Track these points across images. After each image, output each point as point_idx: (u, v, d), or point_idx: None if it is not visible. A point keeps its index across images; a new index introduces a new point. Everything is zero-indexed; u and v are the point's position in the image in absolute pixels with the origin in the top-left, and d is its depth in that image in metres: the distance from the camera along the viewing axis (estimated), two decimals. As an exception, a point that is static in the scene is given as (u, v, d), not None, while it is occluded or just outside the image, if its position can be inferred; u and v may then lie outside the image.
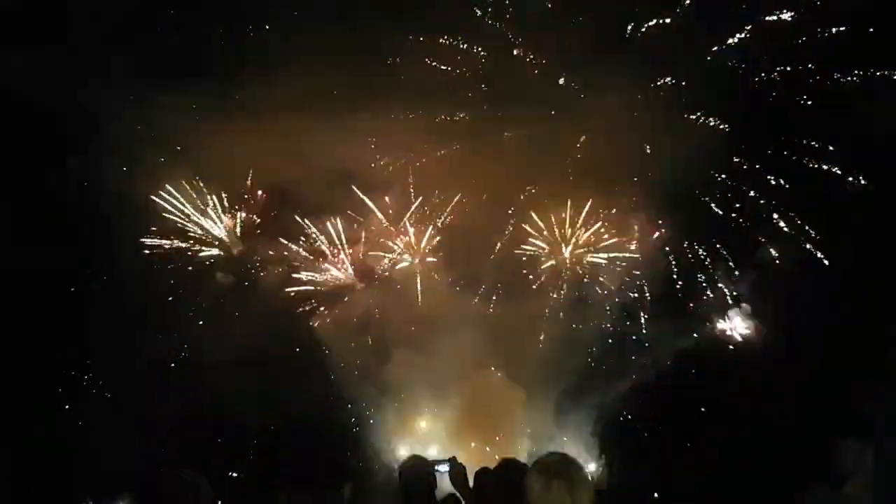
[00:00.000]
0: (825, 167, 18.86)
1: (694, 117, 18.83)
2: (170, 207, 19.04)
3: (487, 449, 18.32)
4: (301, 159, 17.84)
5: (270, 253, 20.24)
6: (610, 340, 20.41)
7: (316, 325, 20.03)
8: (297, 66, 16.94)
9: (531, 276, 20.61)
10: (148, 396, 17.70)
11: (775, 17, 18.09)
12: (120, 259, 17.66)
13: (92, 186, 17.66)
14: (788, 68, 18.65)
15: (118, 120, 16.91)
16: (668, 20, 18.61)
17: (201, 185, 19.15)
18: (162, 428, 16.91)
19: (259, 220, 20.31)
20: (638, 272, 20.58)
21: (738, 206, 20.39)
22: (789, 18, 18.05)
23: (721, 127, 18.99)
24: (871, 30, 17.32)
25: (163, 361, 18.05)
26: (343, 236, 20.30)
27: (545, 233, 20.37)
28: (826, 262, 19.29)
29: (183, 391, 17.58)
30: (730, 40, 18.32)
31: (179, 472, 4.08)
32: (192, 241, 19.69)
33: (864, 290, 17.38)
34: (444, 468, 5.78)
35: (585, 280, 20.53)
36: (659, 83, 19.13)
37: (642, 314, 20.55)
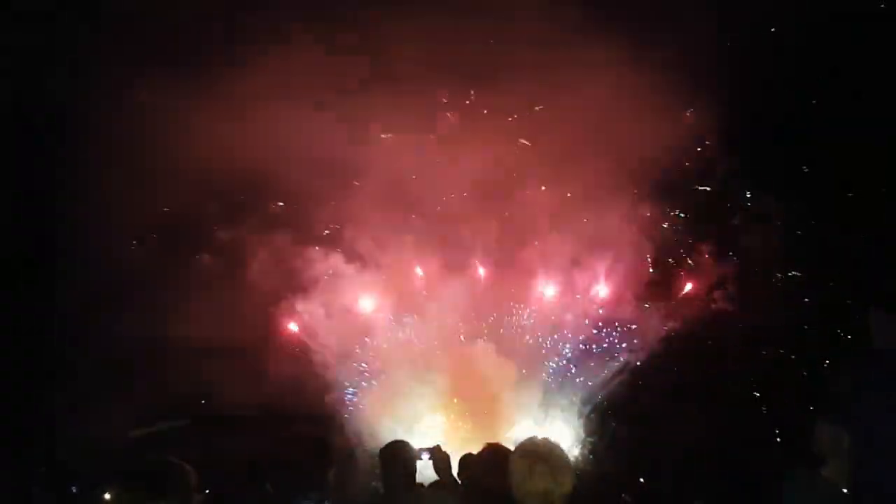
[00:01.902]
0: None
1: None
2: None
3: (474, 431, 18.36)
4: (285, 146, 17.71)
5: (255, 238, 20.20)
6: (598, 323, 20.45)
7: (296, 308, 20.01)
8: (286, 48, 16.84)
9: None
10: (123, 381, 17.60)
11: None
12: (91, 236, 17.22)
13: (58, 165, 17.34)
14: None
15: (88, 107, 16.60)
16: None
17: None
18: (139, 414, 16.81)
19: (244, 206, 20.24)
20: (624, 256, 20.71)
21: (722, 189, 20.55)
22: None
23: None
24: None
25: (139, 345, 17.83)
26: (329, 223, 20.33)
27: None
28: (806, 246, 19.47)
29: (159, 376, 17.48)
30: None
31: (165, 457, 4.09)
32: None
33: (843, 274, 17.60)
34: (427, 456, 5.81)
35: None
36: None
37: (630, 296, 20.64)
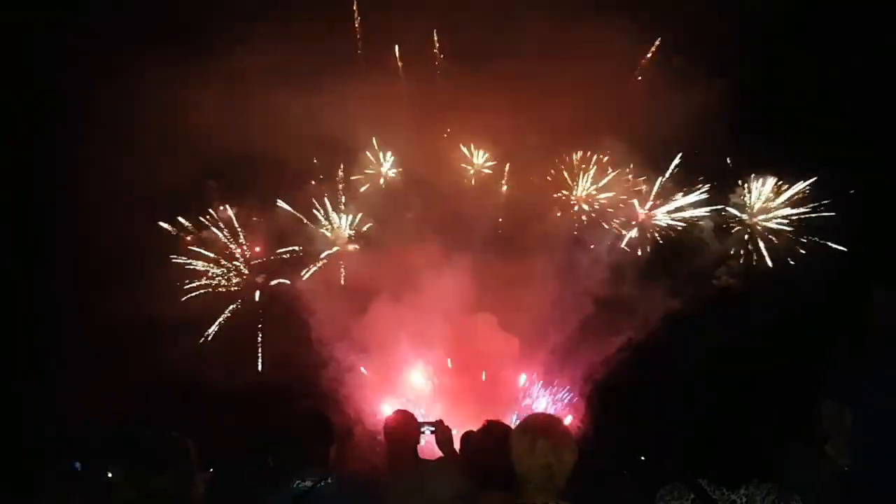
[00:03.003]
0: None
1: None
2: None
3: (475, 407, 18.28)
4: (286, 125, 17.51)
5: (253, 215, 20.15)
6: (600, 300, 20.34)
7: (293, 283, 19.93)
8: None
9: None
10: (116, 357, 17.54)
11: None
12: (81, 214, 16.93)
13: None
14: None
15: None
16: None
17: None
18: (134, 390, 16.75)
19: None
20: (628, 231, 20.67)
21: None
22: None
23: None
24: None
25: (130, 320, 17.69)
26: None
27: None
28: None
29: (151, 352, 17.41)
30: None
31: (166, 432, 4.08)
32: None
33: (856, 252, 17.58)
34: (430, 431, 5.81)
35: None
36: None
37: (632, 274, 20.56)
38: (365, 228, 20.78)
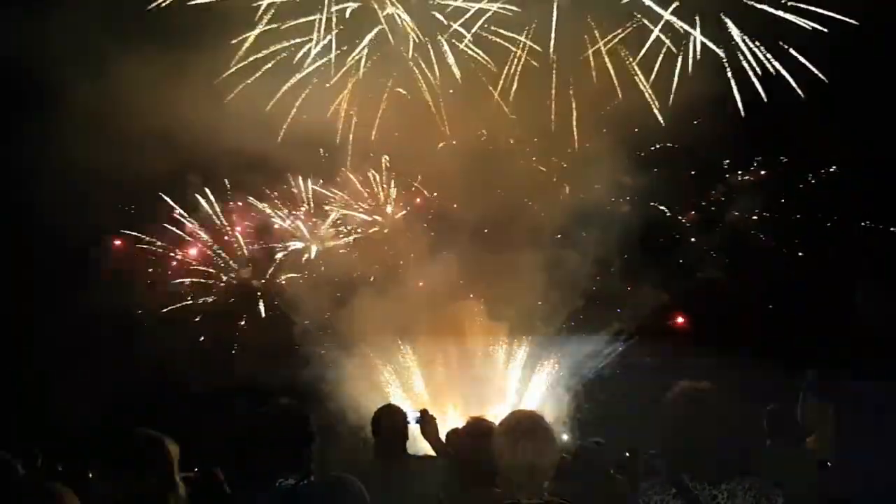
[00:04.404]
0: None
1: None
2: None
3: (459, 402, 18.24)
4: (265, 118, 17.38)
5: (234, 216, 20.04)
6: (586, 296, 20.35)
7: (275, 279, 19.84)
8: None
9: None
10: (92, 355, 17.40)
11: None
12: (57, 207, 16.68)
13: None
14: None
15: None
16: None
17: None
18: (114, 389, 16.61)
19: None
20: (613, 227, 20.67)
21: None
22: None
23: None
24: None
25: (104, 318, 17.52)
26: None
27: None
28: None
29: (127, 349, 17.27)
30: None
31: (146, 432, 4.04)
32: None
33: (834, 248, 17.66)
34: (415, 420, 5.79)
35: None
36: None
37: (616, 269, 20.61)
38: (351, 223, 20.74)
